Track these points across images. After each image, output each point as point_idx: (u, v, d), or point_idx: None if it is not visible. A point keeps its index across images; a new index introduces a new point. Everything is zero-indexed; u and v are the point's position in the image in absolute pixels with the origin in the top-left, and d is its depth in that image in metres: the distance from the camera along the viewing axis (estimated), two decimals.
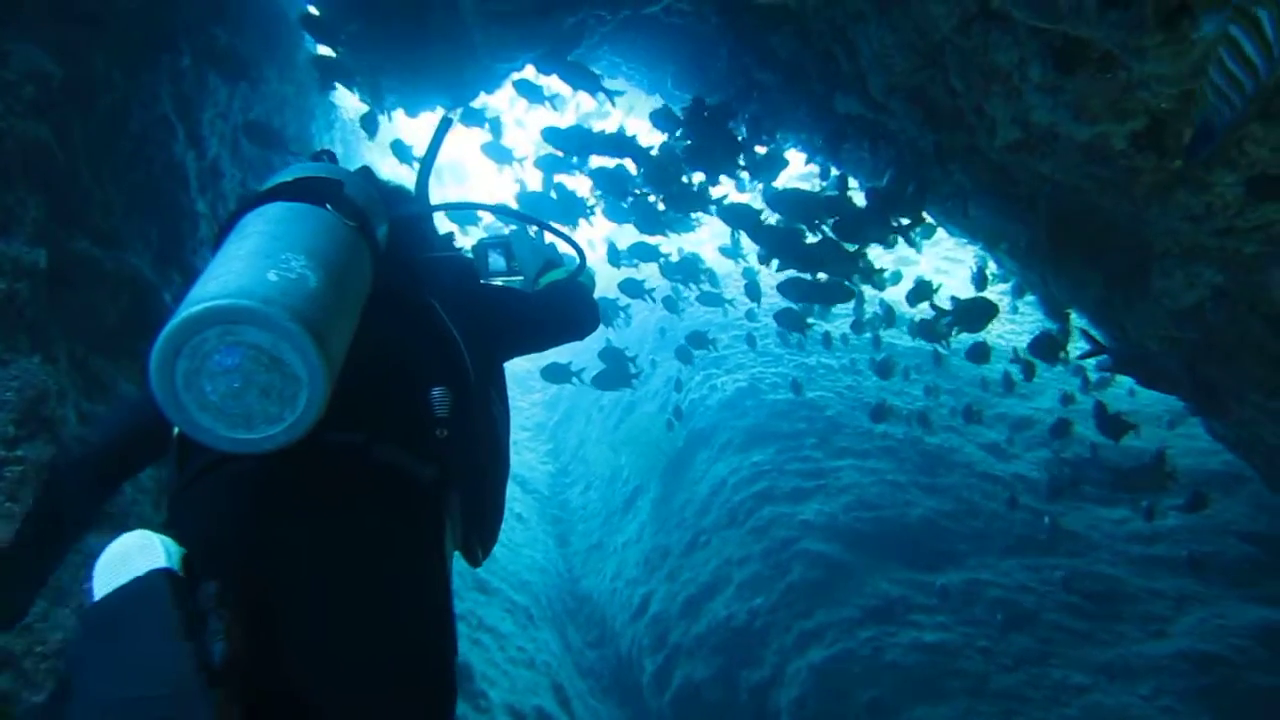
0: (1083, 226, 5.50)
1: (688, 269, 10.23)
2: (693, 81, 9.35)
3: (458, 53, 7.53)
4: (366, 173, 2.36)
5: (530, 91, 8.46)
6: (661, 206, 8.21)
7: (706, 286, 10.69)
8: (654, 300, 10.58)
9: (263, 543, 1.65)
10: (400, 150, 9.06)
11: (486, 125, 9.14)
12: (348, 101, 9.35)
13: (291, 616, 1.57)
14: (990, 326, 8.83)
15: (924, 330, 8.86)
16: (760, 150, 8.01)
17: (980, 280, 10.48)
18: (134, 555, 1.41)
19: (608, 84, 8.04)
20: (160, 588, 1.35)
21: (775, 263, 7.24)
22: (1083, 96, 3.75)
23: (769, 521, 10.25)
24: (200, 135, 6.98)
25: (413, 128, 10.12)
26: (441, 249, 2.54)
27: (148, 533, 1.45)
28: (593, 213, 8.76)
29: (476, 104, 9.09)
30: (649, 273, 10.56)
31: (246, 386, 1.49)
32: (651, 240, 9.37)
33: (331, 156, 2.32)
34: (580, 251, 2.73)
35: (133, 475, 2.09)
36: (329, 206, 1.86)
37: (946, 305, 8.00)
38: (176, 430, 1.70)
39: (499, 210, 2.71)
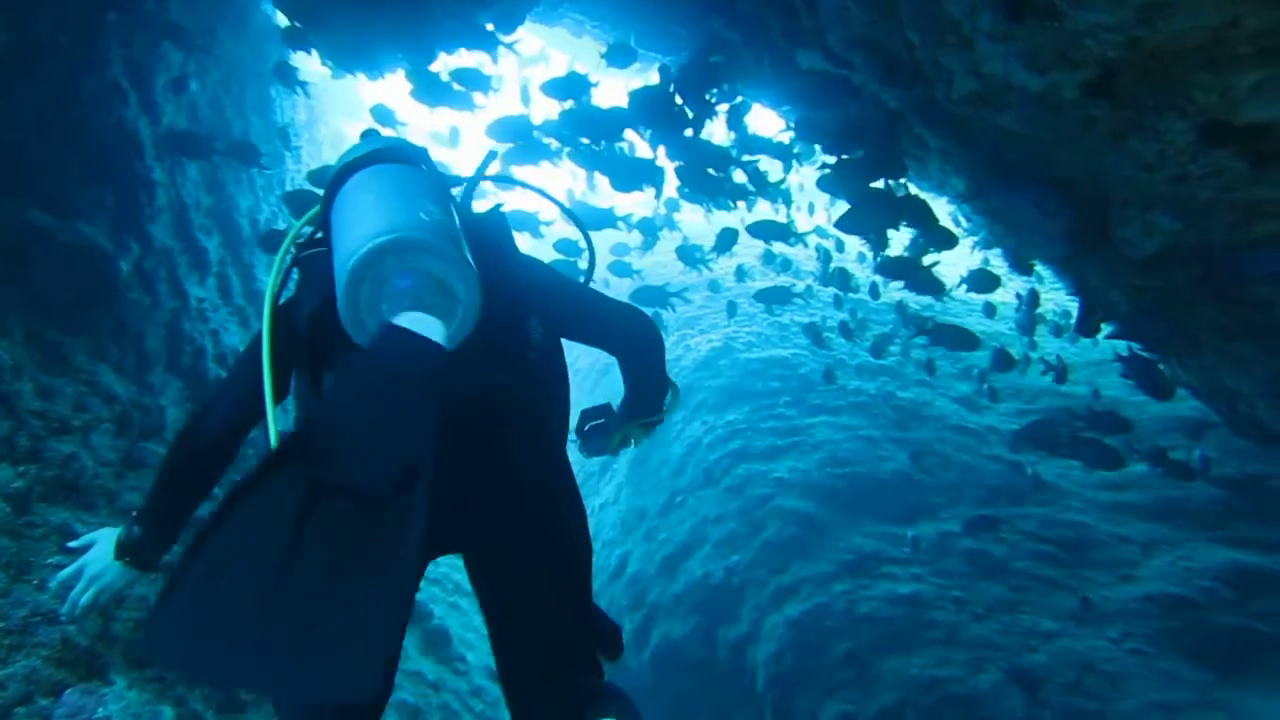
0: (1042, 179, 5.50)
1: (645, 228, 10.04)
2: (658, 39, 9.23)
3: (415, 13, 7.38)
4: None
5: None
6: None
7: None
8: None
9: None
10: (382, 114, 8.97)
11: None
12: (308, 65, 9.17)
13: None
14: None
15: None
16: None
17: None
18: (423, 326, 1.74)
19: (573, 41, 7.89)
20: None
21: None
22: (1033, 46, 3.73)
23: (744, 480, 10.32)
24: (153, 101, 6.84)
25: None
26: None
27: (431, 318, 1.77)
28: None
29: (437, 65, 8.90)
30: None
31: (415, 306, 1.76)
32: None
33: (376, 135, 2.55)
34: (590, 244, 2.78)
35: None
36: (424, 168, 2.13)
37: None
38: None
39: (526, 185, 2.75)
